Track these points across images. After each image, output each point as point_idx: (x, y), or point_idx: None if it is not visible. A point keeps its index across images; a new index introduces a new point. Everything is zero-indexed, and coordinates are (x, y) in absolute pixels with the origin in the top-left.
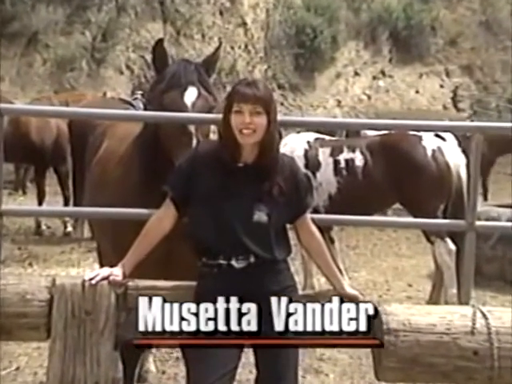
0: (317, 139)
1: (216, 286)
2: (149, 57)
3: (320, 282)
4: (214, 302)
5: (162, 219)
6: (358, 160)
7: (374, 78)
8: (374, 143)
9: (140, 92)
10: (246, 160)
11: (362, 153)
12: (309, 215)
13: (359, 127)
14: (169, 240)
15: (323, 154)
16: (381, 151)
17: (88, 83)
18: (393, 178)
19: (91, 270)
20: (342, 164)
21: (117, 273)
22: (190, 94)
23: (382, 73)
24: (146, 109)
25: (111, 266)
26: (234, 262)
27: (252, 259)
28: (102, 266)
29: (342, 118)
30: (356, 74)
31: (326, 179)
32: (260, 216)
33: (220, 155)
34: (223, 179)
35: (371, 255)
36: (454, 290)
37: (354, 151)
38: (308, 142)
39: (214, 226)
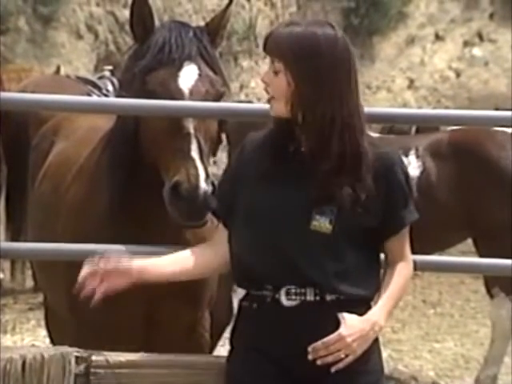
0: None
1: (250, 335)
2: (122, 13)
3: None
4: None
5: (215, 244)
6: (413, 168)
7: (467, 43)
8: (438, 143)
9: (109, 68)
10: (302, 141)
11: (418, 157)
12: (406, 236)
13: (443, 121)
14: (151, 291)
15: None
16: (449, 155)
17: (29, 52)
18: (468, 197)
19: (34, 338)
20: None
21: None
22: (188, 75)
23: (479, 36)
24: (119, 94)
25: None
26: (282, 297)
27: (310, 296)
28: (49, 332)
29: (416, 106)
30: (438, 37)
31: None
32: (320, 222)
33: (271, 138)
34: (270, 173)
35: (461, 316)
36: (495, 371)
37: (405, 154)
38: None
39: (258, 241)
